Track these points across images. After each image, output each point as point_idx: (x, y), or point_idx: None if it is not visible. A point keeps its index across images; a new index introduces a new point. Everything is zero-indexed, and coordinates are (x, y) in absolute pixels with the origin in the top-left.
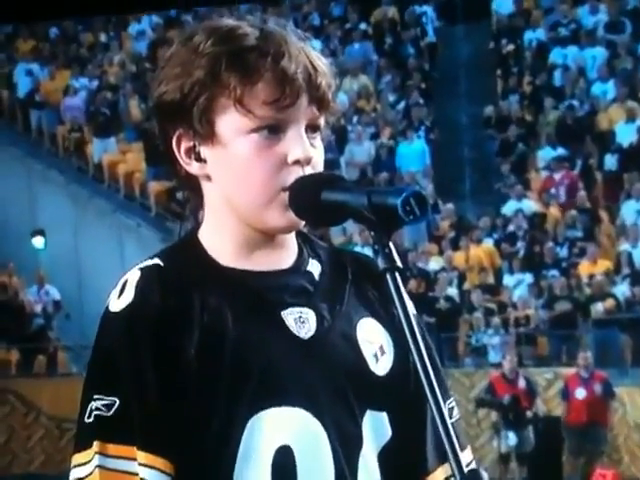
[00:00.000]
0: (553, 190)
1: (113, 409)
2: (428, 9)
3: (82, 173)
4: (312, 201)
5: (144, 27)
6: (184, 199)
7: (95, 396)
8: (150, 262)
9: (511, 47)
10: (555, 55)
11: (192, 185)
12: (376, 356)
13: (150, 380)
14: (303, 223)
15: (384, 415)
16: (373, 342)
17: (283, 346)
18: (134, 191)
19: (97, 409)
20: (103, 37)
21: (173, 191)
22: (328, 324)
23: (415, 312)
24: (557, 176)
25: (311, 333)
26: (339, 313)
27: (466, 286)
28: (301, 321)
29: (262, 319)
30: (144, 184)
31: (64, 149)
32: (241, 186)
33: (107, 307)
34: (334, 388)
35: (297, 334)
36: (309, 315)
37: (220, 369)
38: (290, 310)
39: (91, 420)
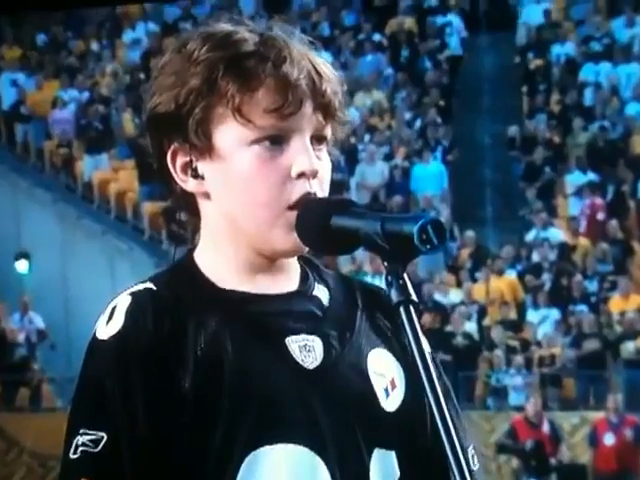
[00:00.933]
0: (582, 218)
1: (101, 445)
2: (453, 18)
3: (70, 192)
4: (321, 227)
5: (139, 35)
6: (179, 220)
7: (81, 430)
8: (141, 286)
9: (538, 62)
10: (586, 72)
11: (189, 204)
12: (387, 390)
13: (141, 413)
14: (306, 249)
15: (393, 454)
16: (384, 375)
17: (286, 376)
18: (126, 212)
19: (83, 444)
20: (95, 45)
21: (168, 212)
22: (336, 354)
23: (430, 349)
24: (587, 203)
25: (317, 363)
26: (349, 342)
27: (486, 321)
28: (307, 349)
29: (264, 346)
30: (137, 204)
31: (51, 165)
32: (242, 203)
33: (94, 334)
34: (340, 424)
35: (302, 363)
36: (315, 343)
37: (217, 401)
38: (295, 337)
39: (77, 456)
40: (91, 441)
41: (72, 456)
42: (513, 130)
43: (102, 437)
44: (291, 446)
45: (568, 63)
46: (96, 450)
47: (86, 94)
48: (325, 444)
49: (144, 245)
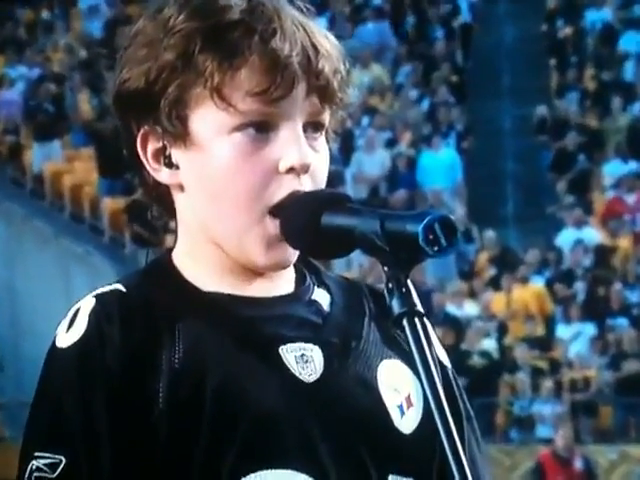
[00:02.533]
0: (624, 216)
1: (58, 470)
2: None
3: (18, 187)
4: (310, 226)
5: (97, 1)
6: (151, 217)
7: (36, 454)
8: (109, 288)
9: (569, 30)
10: (626, 41)
11: (162, 197)
12: (401, 408)
13: (104, 435)
14: (294, 258)
15: None
16: (399, 390)
17: (280, 391)
18: (83, 210)
19: (38, 469)
20: (45, 14)
21: (132, 209)
22: (339, 365)
23: (449, 364)
24: (629, 198)
25: (316, 376)
26: (354, 352)
27: (508, 339)
28: (304, 360)
29: (254, 356)
30: (95, 201)
31: None
32: (217, 202)
33: (53, 342)
34: (344, 446)
35: (298, 376)
36: (314, 353)
37: (197, 421)
38: (290, 346)
39: None
40: (47, 465)
41: None
42: (540, 112)
43: (60, 461)
44: (285, 472)
45: (605, 31)
46: (53, 476)
47: (36, 71)
48: (326, 470)
49: (104, 249)
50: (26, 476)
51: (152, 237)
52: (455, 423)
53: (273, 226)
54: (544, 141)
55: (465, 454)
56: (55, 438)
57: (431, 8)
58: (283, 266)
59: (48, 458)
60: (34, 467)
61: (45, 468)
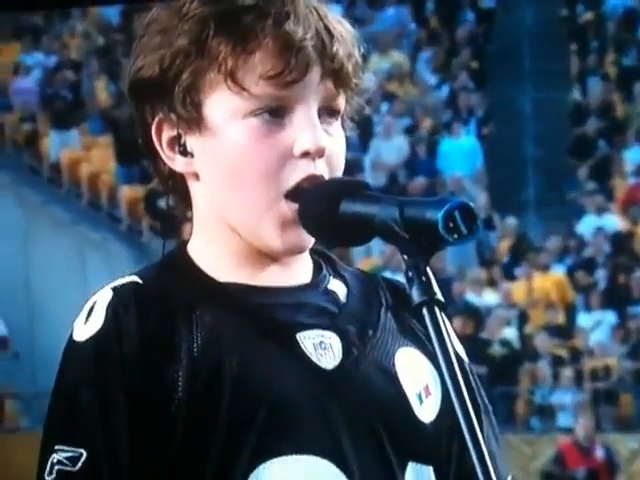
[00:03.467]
0: None
1: (80, 463)
2: None
3: (35, 174)
4: (328, 214)
5: None
6: (167, 207)
7: (57, 447)
8: (126, 279)
9: (590, 15)
10: None
11: (177, 186)
12: (420, 397)
13: (123, 427)
14: (311, 243)
15: (430, 470)
16: (417, 379)
17: (299, 378)
18: (100, 197)
19: (59, 463)
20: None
21: (150, 197)
22: (358, 352)
23: (466, 358)
24: None
25: (335, 362)
26: (372, 340)
27: (528, 327)
28: (322, 347)
29: (272, 343)
30: (113, 189)
31: (13, 143)
32: (232, 186)
33: (71, 336)
34: (365, 432)
35: (317, 363)
36: (332, 340)
37: (216, 409)
38: (308, 333)
39: (53, 477)
40: (68, 459)
41: (47, 477)
42: (561, 97)
43: (81, 454)
44: (306, 457)
45: (626, 16)
46: (75, 469)
47: (53, 58)
48: (347, 456)
49: (121, 236)
50: (47, 469)
51: (168, 227)
52: (475, 415)
53: (289, 209)
54: (565, 126)
55: (487, 445)
56: (75, 431)
57: None
58: (299, 250)
59: (68, 451)
60: (55, 460)
61: (66, 461)
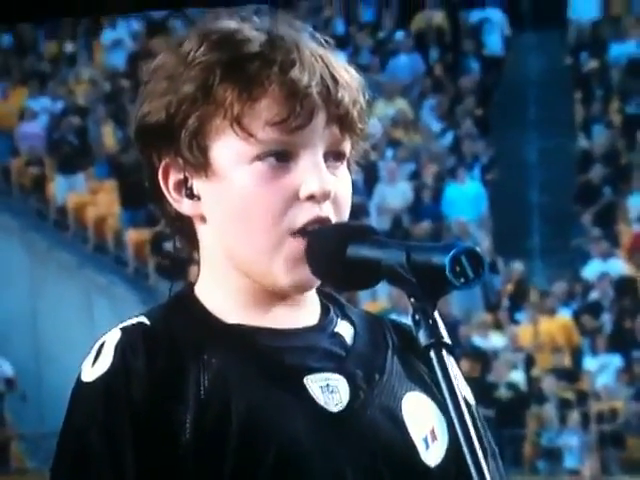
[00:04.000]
0: None
1: None
2: (493, 13)
3: (41, 218)
4: (335, 258)
5: (121, 35)
6: (174, 248)
7: None
8: (134, 320)
9: (594, 64)
10: None
11: (184, 229)
12: (426, 441)
13: (130, 468)
14: (317, 283)
15: None
16: (423, 423)
17: (306, 421)
18: (106, 241)
19: None
20: (69, 47)
21: (157, 240)
22: (365, 395)
23: (473, 401)
24: None
25: (342, 405)
26: (379, 384)
27: (535, 371)
28: (329, 390)
29: (279, 387)
30: (119, 232)
31: (19, 187)
32: (240, 228)
33: (79, 377)
34: (371, 476)
35: (324, 406)
36: (340, 383)
37: (224, 453)
38: (315, 376)
39: None
40: None
41: None
42: (565, 145)
43: None
44: None
45: (630, 64)
46: None
47: (59, 104)
48: None
49: (128, 279)
50: None
51: (175, 269)
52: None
53: (296, 246)
54: (569, 174)
55: None
56: (82, 472)
57: (454, 42)
58: (307, 288)
59: None
60: None
61: None
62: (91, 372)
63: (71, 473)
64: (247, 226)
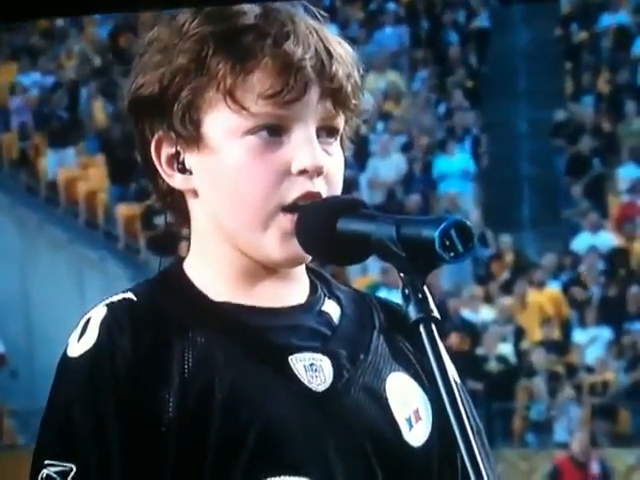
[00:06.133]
0: (636, 219)
1: (69, 478)
2: None
3: (32, 193)
4: (325, 232)
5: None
6: (165, 223)
7: (47, 462)
8: (120, 296)
9: (584, 34)
10: None
11: (176, 204)
12: (410, 421)
13: (115, 445)
14: (309, 258)
15: None
16: (407, 403)
17: (290, 400)
18: (97, 216)
19: (49, 477)
20: (59, 21)
21: (148, 215)
22: (348, 375)
23: (458, 379)
24: None
25: (326, 385)
26: (363, 364)
27: (524, 343)
28: (313, 370)
29: (263, 366)
30: (110, 207)
31: (10, 162)
32: (231, 202)
33: (65, 352)
34: (354, 455)
35: (308, 385)
36: (323, 363)
37: (207, 430)
38: (300, 355)
39: None
40: (58, 473)
41: None
42: (555, 116)
43: (71, 469)
44: (296, 479)
45: (620, 35)
46: None
47: (50, 78)
48: (335, 477)
49: (118, 255)
50: None
51: (166, 244)
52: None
53: (288, 221)
54: (559, 145)
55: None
56: (65, 447)
57: (444, 13)
58: (299, 262)
59: (58, 466)
60: (45, 475)
61: (55, 476)
62: (77, 347)
63: (54, 447)
64: (239, 200)
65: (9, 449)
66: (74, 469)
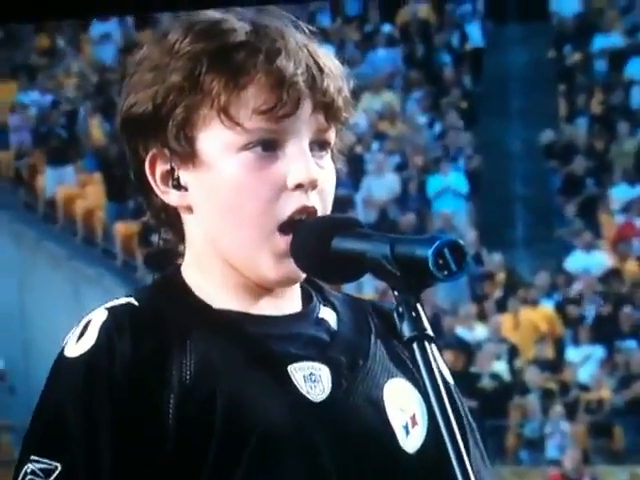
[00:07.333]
0: (632, 239)
1: (53, 476)
2: (472, 4)
3: (30, 210)
4: (320, 250)
5: (109, 28)
6: (160, 241)
7: (32, 457)
8: (121, 300)
9: (577, 56)
10: (633, 67)
11: (170, 220)
12: (406, 428)
13: (105, 447)
14: (303, 276)
15: None
16: (404, 410)
17: (288, 409)
18: (95, 233)
19: (32, 473)
20: (58, 41)
21: (145, 233)
22: (347, 384)
23: (452, 380)
24: (636, 221)
25: (324, 395)
26: (362, 370)
27: (518, 361)
28: (312, 379)
29: (263, 375)
30: (108, 224)
31: (9, 180)
32: (227, 218)
33: (62, 351)
34: (351, 465)
35: (307, 395)
36: (322, 372)
37: (206, 438)
38: (299, 365)
39: None
40: (42, 470)
41: None
42: (548, 136)
43: (56, 467)
44: None
45: (613, 57)
46: None
47: (48, 97)
48: None
49: (116, 271)
50: (20, 478)
51: (162, 261)
52: (461, 437)
53: (283, 242)
54: (553, 165)
55: (476, 468)
56: (53, 445)
57: (439, 35)
58: (293, 282)
59: (43, 463)
60: (29, 470)
61: (39, 472)
62: (75, 348)
63: (41, 443)
64: (235, 217)
65: (7, 464)
66: (59, 468)
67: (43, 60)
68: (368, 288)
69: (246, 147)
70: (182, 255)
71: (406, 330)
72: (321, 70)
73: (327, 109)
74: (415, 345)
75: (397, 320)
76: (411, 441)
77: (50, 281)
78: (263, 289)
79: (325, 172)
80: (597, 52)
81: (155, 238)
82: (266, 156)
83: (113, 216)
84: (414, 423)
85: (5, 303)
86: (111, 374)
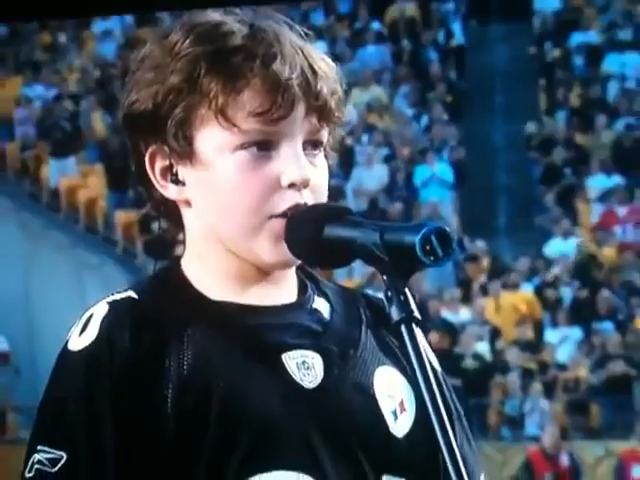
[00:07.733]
0: (615, 227)
1: (58, 465)
2: (455, 3)
3: (35, 200)
4: (312, 238)
5: (111, 25)
6: (159, 230)
7: (39, 447)
8: (122, 294)
9: (557, 52)
10: (610, 63)
11: (170, 212)
12: (395, 413)
13: (107, 437)
14: (299, 260)
15: None
16: (393, 396)
17: (283, 397)
18: (97, 222)
19: (40, 462)
20: (61, 37)
21: (144, 221)
22: (338, 372)
23: (439, 367)
24: (620, 210)
25: (317, 382)
26: (352, 359)
27: (499, 342)
28: (305, 367)
29: (258, 364)
30: (109, 213)
31: (14, 171)
32: (224, 214)
33: (65, 345)
34: (342, 449)
35: (300, 382)
36: (315, 360)
37: (204, 427)
38: (292, 353)
39: (31, 475)
40: (49, 460)
41: (27, 474)
42: (529, 129)
43: (61, 457)
44: (289, 473)
45: (590, 53)
46: (52, 470)
47: (52, 91)
48: (326, 471)
49: (117, 259)
50: (28, 467)
51: (162, 248)
52: (448, 422)
53: (278, 224)
54: (533, 156)
55: (461, 448)
56: (59, 435)
57: (425, 32)
58: (290, 263)
59: (50, 453)
60: (36, 460)
61: (46, 462)
62: (77, 341)
63: (48, 433)
64: (231, 211)
65: (13, 443)
66: (64, 457)
67: (47, 56)
68: (358, 274)
69: (241, 147)
70: (181, 243)
71: (394, 313)
72: (315, 73)
73: (320, 111)
74: (403, 327)
75: (386, 303)
76: (399, 426)
77: (54, 267)
78: (261, 278)
79: (318, 170)
80: (576, 48)
81: (155, 226)
82: (261, 156)
83: (114, 205)
84: (402, 409)
85: (11, 288)
86: (111, 367)
